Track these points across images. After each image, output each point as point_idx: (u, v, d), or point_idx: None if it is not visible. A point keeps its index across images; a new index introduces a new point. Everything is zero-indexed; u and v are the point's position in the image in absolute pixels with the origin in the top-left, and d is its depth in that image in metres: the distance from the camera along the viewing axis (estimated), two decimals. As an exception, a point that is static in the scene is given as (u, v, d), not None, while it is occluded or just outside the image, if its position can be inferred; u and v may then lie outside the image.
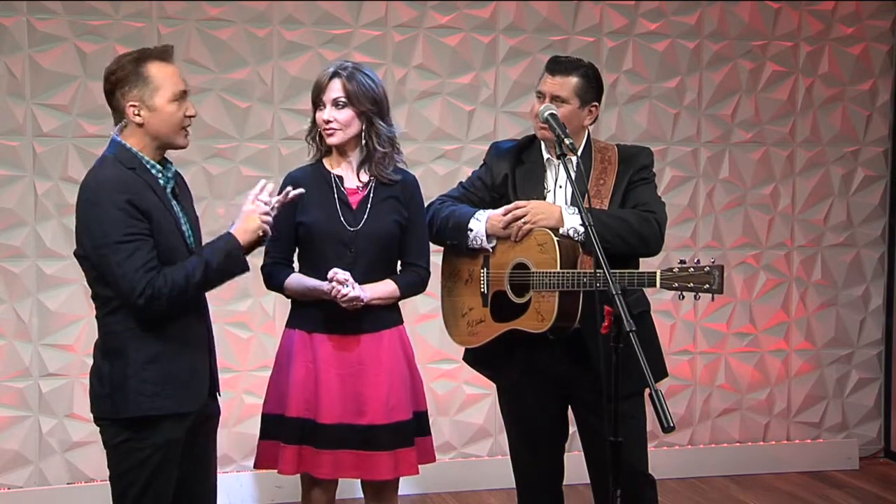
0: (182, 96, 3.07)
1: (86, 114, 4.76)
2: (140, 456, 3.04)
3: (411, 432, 3.48)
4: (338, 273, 3.33)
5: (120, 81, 3.02)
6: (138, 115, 3.03)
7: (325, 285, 3.35)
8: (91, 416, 3.13)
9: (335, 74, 3.42)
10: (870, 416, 5.76)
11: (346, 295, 3.33)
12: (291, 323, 3.52)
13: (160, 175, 3.08)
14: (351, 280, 3.34)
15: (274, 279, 3.48)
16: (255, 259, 3.29)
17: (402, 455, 3.44)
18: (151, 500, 3.07)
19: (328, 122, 3.42)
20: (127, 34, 4.77)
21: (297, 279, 3.46)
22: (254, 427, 4.90)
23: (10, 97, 4.71)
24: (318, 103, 3.44)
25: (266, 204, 3.14)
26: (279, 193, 3.33)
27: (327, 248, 3.43)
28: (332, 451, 3.39)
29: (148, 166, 3.06)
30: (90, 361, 3.14)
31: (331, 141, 3.44)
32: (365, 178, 3.49)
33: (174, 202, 3.12)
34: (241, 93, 4.93)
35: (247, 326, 4.98)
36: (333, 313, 3.40)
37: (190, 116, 3.10)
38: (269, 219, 3.13)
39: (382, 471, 3.42)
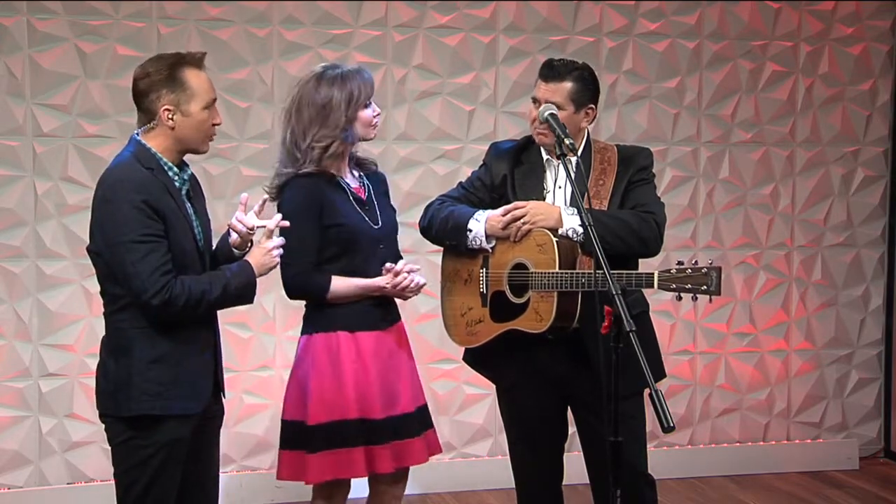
0: (213, 104, 3.12)
1: (86, 114, 4.77)
2: (143, 454, 3.05)
3: (428, 414, 3.62)
4: (406, 264, 3.46)
5: (155, 84, 3.05)
6: (171, 119, 3.06)
7: (381, 280, 3.45)
8: (93, 414, 3.15)
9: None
10: (870, 416, 5.76)
11: (417, 283, 3.48)
12: (329, 326, 3.47)
13: (176, 177, 3.11)
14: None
15: (316, 286, 3.44)
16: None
17: (429, 436, 3.57)
18: (154, 498, 3.08)
19: (378, 114, 3.51)
20: (127, 34, 4.77)
21: (344, 282, 3.45)
22: (254, 427, 4.94)
23: (10, 97, 4.71)
24: (367, 102, 3.47)
25: (251, 229, 3.23)
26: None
27: (364, 247, 3.48)
28: (388, 444, 3.44)
29: (165, 168, 3.09)
30: (90, 361, 3.16)
31: (374, 133, 3.51)
32: (357, 175, 3.56)
33: (188, 204, 3.14)
34: (241, 93, 4.93)
35: (247, 326, 4.98)
36: (374, 310, 3.49)
37: (216, 124, 3.15)
38: (281, 251, 3.22)
39: (420, 455, 3.53)
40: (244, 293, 3.15)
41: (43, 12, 4.72)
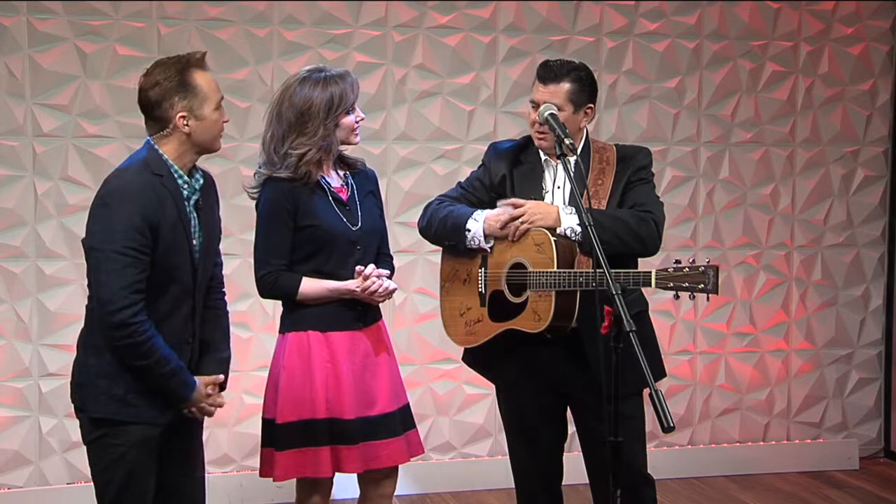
0: (221, 102, 3.12)
1: (86, 114, 4.77)
2: (116, 452, 3.05)
3: (411, 414, 3.59)
4: (374, 269, 3.43)
5: (168, 92, 3.02)
6: (187, 125, 3.05)
7: (351, 284, 3.42)
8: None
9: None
10: (870, 416, 5.76)
11: (387, 288, 3.44)
12: (300, 325, 3.48)
13: (186, 185, 3.09)
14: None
15: (285, 286, 3.44)
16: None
17: (411, 437, 3.55)
18: (133, 495, 3.06)
19: (361, 119, 3.50)
20: (127, 34, 4.78)
21: (313, 283, 3.45)
22: (254, 427, 4.92)
23: (10, 97, 4.72)
24: (350, 108, 3.44)
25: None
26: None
27: (339, 248, 3.46)
28: (358, 445, 3.43)
29: (175, 176, 3.07)
30: (90, 361, 3.15)
31: (357, 139, 3.49)
32: (341, 175, 3.54)
33: (194, 214, 3.11)
34: (241, 93, 4.93)
35: (247, 326, 4.99)
36: (346, 310, 3.46)
37: (226, 122, 3.16)
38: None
39: (400, 456, 3.51)
40: (173, 392, 3.08)
41: (43, 12, 4.72)
